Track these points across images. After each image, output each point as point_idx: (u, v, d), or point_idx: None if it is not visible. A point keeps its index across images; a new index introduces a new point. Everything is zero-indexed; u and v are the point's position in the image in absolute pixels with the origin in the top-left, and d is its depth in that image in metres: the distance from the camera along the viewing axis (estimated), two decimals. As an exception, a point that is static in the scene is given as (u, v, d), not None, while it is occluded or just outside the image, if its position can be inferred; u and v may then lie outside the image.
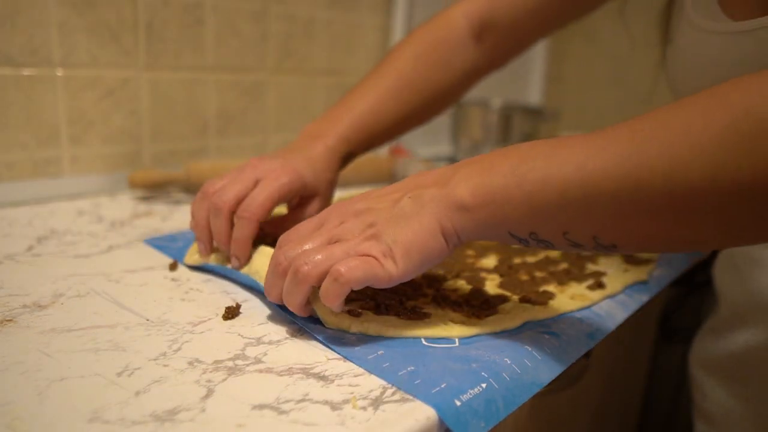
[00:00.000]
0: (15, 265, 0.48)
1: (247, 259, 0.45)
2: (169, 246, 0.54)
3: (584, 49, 0.68)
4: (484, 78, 0.63)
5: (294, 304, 0.37)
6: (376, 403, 0.31)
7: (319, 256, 0.35)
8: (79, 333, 0.37)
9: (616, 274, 0.52)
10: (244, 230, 0.45)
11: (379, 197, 0.39)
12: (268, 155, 0.50)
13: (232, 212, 0.46)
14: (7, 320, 0.38)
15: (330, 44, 0.98)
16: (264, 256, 0.44)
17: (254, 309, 0.42)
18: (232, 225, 0.46)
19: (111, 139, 0.75)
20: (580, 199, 0.32)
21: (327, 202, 0.52)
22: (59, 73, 0.68)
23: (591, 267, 0.54)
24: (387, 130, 0.56)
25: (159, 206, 0.68)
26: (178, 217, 0.64)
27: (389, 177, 0.88)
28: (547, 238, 0.34)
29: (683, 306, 0.90)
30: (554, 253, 0.57)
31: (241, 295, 0.44)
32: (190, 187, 0.73)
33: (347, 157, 0.55)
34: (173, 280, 0.46)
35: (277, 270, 0.37)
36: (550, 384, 0.37)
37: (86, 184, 0.73)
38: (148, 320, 0.39)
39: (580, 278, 0.50)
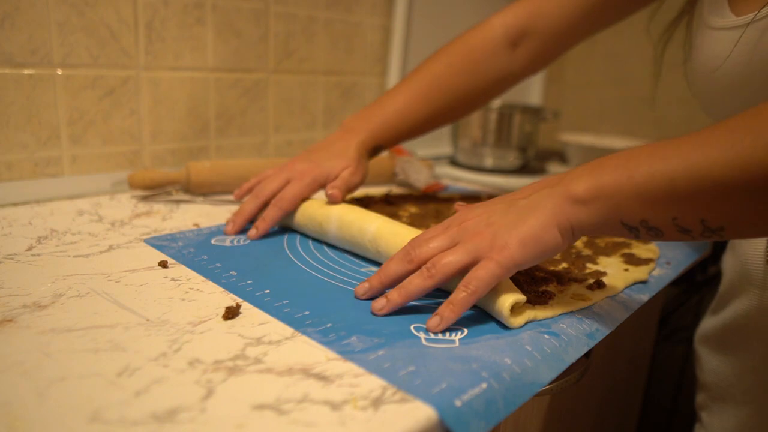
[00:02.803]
0: (15, 265, 0.48)
1: (264, 233, 0.57)
2: (170, 246, 0.54)
3: (584, 49, 0.69)
4: (519, 82, 0.69)
5: (412, 292, 0.41)
6: (377, 403, 0.31)
7: (449, 258, 0.41)
8: (79, 333, 0.37)
9: (616, 274, 0.52)
10: (273, 214, 0.58)
11: (495, 202, 0.44)
12: (301, 156, 0.63)
13: (268, 202, 0.59)
14: (7, 320, 0.38)
15: (330, 44, 0.98)
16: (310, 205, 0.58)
17: (254, 309, 0.42)
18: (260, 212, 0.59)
19: (111, 139, 0.75)
20: (687, 185, 0.35)
21: (349, 182, 0.61)
22: (59, 72, 0.68)
23: (591, 267, 0.54)
24: (414, 128, 0.65)
25: (159, 206, 0.68)
26: (178, 217, 0.64)
27: (390, 175, 0.88)
28: (657, 225, 0.38)
29: (683, 306, 0.90)
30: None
31: (241, 295, 0.44)
32: (190, 187, 0.73)
33: (376, 150, 0.65)
34: (173, 280, 0.46)
35: (404, 258, 0.43)
36: (550, 384, 0.37)
37: (86, 184, 0.73)
38: (148, 320, 0.39)
39: (580, 278, 0.50)
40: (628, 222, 0.38)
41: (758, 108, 0.35)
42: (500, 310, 0.40)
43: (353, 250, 0.54)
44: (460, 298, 0.39)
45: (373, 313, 0.42)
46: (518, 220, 0.41)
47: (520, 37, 0.65)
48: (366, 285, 0.44)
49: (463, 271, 0.41)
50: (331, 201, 0.57)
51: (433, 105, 0.64)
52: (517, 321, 0.41)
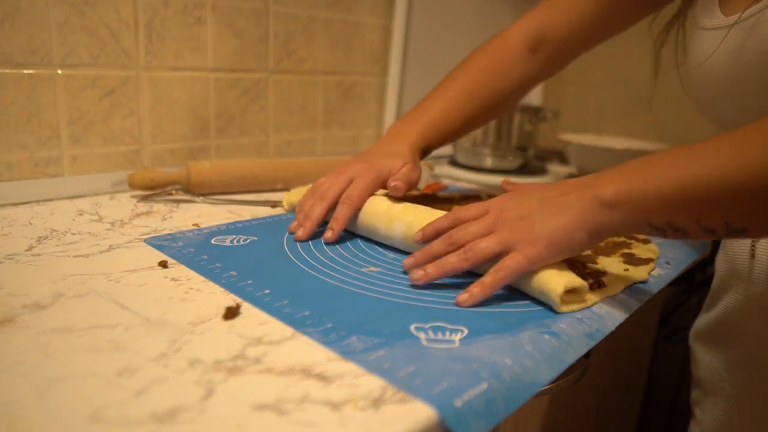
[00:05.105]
0: (15, 265, 0.48)
1: (339, 233, 0.58)
2: (170, 246, 0.54)
3: (584, 49, 0.70)
4: (538, 84, 0.73)
5: (447, 269, 0.46)
6: (377, 403, 0.31)
7: (484, 244, 0.45)
8: (79, 333, 0.37)
9: (616, 274, 0.52)
10: (345, 211, 0.58)
11: (531, 195, 0.47)
12: (357, 157, 0.65)
13: (335, 203, 0.59)
14: (7, 320, 0.38)
15: (330, 44, 0.98)
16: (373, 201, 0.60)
17: (254, 309, 0.42)
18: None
19: (111, 139, 0.75)
20: (707, 191, 0.37)
21: (410, 177, 0.63)
22: (59, 72, 0.68)
23: (591, 267, 0.54)
24: (455, 130, 0.69)
25: (159, 206, 0.68)
26: (178, 217, 0.64)
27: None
28: (683, 226, 0.40)
29: (683, 306, 0.90)
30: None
31: (241, 295, 0.44)
32: (190, 187, 0.73)
33: (426, 151, 0.68)
34: (173, 280, 0.46)
35: (446, 241, 0.48)
36: (550, 384, 0.37)
37: (86, 184, 0.72)
38: (148, 320, 0.39)
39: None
40: (655, 223, 0.41)
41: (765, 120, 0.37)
42: (552, 290, 0.43)
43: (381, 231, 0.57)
44: (489, 282, 0.44)
45: (413, 282, 0.47)
46: (550, 218, 0.44)
47: (537, 43, 0.68)
48: (412, 259, 0.49)
49: (494, 258, 0.45)
50: (395, 193, 0.60)
51: (468, 109, 0.68)
52: (565, 307, 0.44)
